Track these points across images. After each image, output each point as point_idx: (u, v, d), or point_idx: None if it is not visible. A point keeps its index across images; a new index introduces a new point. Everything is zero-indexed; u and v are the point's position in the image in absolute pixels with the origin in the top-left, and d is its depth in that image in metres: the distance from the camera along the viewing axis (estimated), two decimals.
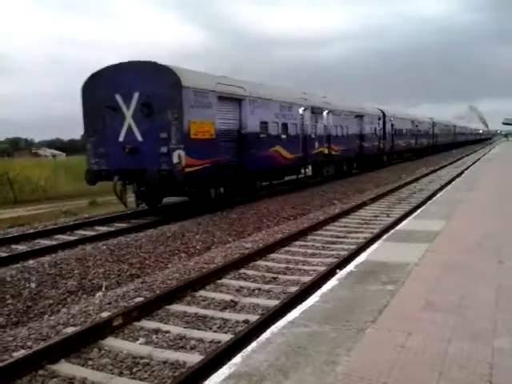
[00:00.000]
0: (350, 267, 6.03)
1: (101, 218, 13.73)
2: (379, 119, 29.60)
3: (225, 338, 5.42)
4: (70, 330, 5.89)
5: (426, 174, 25.91)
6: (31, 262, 8.89)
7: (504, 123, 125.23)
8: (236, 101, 14.64)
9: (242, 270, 8.19)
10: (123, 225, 12.67)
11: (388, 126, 31.00)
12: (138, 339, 5.61)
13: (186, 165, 12.10)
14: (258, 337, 4.06)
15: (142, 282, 7.86)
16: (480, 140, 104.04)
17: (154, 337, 5.65)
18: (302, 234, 10.82)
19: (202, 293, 7.11)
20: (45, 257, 9.30)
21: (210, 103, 13.18)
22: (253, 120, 15.30)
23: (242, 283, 7.55)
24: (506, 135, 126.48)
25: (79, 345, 5.32)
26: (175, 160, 12.02)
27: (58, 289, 7.74)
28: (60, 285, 7.88)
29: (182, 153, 12.02)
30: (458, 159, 40.28)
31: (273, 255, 9.20)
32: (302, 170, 20.42)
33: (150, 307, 6.40)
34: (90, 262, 8.86)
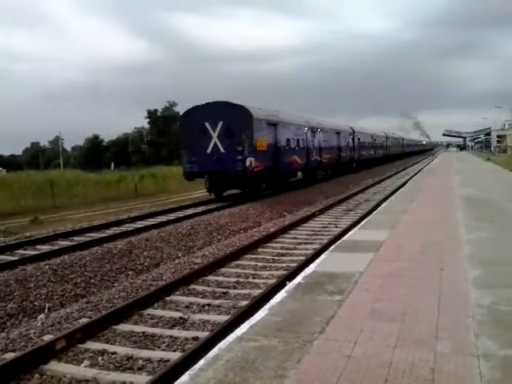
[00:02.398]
0: (299, 279, 6.08)
1: (44, 236, 13.19)
2: (350, 134, 36.16)
3: (174, 356, 5.31)
4: (8, 355, 5.59)
5: (372, 185, 26.70)
6: None
7: (444, 134, 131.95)
8: (274, 125, 21.12)
9: (192, 286, 8.08)
10: (66, 243, 12.21)
11: (356, 139, 37.68)
12: (82, 362, 5.40)
13: (254, 167, 18.58)
14: (207, 354, 4.00)
15: (87, 302, 7.59)
16: (424, 150, 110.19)
17: (100, 359, 5.46)
18: (252, 246, 10.83)
19: (150, 311, 6.95)
20: None
21: (264, 127, 19.95)
22: (282, 137, 21.87)
23: (192, 299, 7.44)
24: (447, 145, 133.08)
25: (18, 371, 5.05)
26: (247, 164, 18.41)
27: None
28: None
29: (252, 159, 18.52)
30: (402, 170, 41.77)
31: (223, 269, 9.14)
32: (299, 173, 26.58)
33: (96, 328, 6.19)
34: (31, 283, 8.46)
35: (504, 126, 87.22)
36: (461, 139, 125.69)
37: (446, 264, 6.46)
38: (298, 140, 24.02)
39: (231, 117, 18.59)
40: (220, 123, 18.62)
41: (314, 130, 26.85)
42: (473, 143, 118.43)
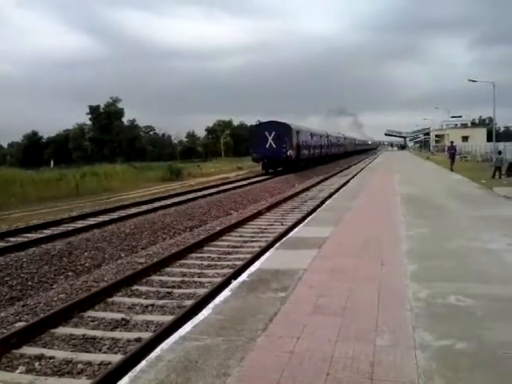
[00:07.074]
0: (243, 277, 6.08)
1: None
2: (326, 137, 51.00)
3: (115, 358, 5.17)
4: None
5: (318, 183, 27.17)
6: None
7: (386, 134, 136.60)
8: (298, 132, 35.76)
9: (135, 287, 7.90)
10: (1, 244, 11.59)
11: (328, 140, 52.06)
12: (17, 368, 5.15)
13: (292, 155, 33.37)
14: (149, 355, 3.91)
15: (23, 306, 7.27)
16: (369, 149, 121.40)
17: (37, 364, 5.23)
18: (198, 245, 10.73)
19: (90, 313, 6.73)
20: None
21: (295, 134, 34.77)
22: (300, 139, 36.50)
23: (135, 300, 7.28)
24: (391, 145, 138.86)
25: None
26: (289, 154, 32.85)
27: None
28: None
29: (291, 151, 33.17)
30: (346, 168, 42.87)
31: (168, 269, 9.00)
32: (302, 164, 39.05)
33: (32, 332, 5.92)
34: None
35: (442, 126, 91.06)
36: (401, 139, 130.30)
37: (386, 259, 6.67)
38: (305, 141, 38.55)
39: (280, 129, 33.43)
40: (273, 132, 33.17)
41: (311, 135, 41.61)
42: (413, 143, 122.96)
